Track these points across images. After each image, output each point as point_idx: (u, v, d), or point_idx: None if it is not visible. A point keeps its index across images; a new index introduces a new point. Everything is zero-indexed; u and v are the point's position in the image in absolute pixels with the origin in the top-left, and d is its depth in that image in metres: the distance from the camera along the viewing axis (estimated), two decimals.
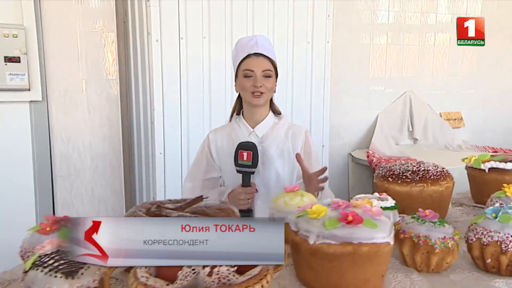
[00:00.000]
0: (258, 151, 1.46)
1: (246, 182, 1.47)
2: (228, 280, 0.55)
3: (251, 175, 1.48)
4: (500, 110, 3.85)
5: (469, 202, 1.47)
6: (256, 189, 1.51)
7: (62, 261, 0.58)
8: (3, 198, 2.27)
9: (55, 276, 0.58)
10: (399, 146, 3.55)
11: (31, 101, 2.33)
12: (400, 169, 1.10)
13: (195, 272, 0.56)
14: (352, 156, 3.48)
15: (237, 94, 1.64)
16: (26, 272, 0.59)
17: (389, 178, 1.10)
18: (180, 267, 0.57)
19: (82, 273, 0.58)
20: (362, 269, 0.75)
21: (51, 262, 0.58)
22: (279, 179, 1.56)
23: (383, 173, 1.13)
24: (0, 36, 2.16)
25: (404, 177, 1.09)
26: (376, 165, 3.20)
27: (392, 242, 0.79)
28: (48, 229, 0.67)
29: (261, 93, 1.50)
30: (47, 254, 0.59)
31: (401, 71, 3.58)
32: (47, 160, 2.45)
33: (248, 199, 1.46)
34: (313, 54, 2.82)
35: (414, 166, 1.12)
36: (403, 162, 1.18)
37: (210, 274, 0.55)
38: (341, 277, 0.75)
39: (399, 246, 0.89)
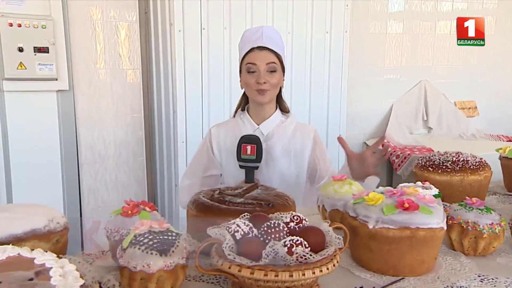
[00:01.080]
0: (263, 148, 1.38)
1: (250, 178, 1.38)
2: (305, 259, 0.61)
3: (255, 171, 1.39)
4: None
5: (502, 190, 1.50)
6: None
7: (155, 240, 0.65)
8: (33, 184, 2.35)
9: (151, 253, 0.65)
10: (413, 135, 3.58)
11: (58, 90, 2.39)
12: (440, 160, 1.15)
13: (276, 252, 0.62)
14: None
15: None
16: (124, 249, 0.66)
17: (429, 168, 1.15)
18: (264, 246, 0.63)
19: (173, 251, 0.65)
20: (418, 251, 0.81)
21: (146, 241, 0.65)
22: (283, 179, 1.48)
23: (423, 163, 1.18)
24: (30, 27, 2.21)
25: (444, 167, 1.13)
26: (391, 154, 3.25)
27: (445, 227, 0.85)
28: (129, 212, 0.73)
29: (266, 90, 1.42)
30: (141, 234, 0.66)
31: (416, 60, 3.59)
32: (73, 147, 2.52)
33: None
34: (331, 44, 2.85)
35: (454, 156, 1.17)
36: (441, 152, 1.23)
37: (290, 253, 0.60)
38: (398, 258, 0.80)
39: (447, 231, 0.95)
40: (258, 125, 1.51)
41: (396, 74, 3.55)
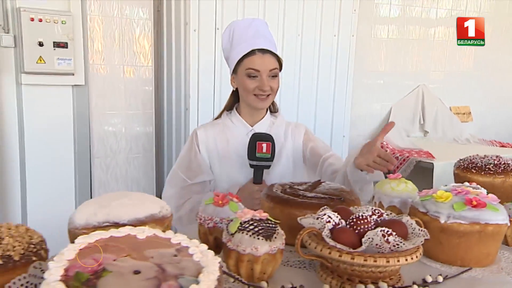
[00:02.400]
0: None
1: (259, 178, 1.32)
2: (398, 246, 0.70)
3: (265, 170, 1.34)
4: (508, 106, 4.03)
5: None
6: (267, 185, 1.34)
7: (260, 227, 0.74)
8: (47, 176, 2.40)
9: (258, 238, 0.73)
10: (410, 138, 3.70)
11: (74, 85, 2.44)
12: (482, 162, 1.24)
13: (371, 240, 0.71)
14: None
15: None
16: (232, 234, 0.74)
17: (472, 170, 1.23)
18: (354, 235, 0.72)
19: (275, 237, 0.74)
20: (485, 245, 0.90)
21: (251, 227, 0.73)
22: (282, 180, 1.35)
23: (465, 165, 1.27)
24: (50, 22, 2.25)
25: (487, 169, 1.22)
26: None
27: (509, 224, 0.94)
28: (220, 202, 0.82)
29: (267, 95, 1.37)
30: (246, 221, 0.74)
31: (415, 65, 3.71)
32: (86, 141, 2.57)
33: None
34: (338, 47, 2.95)
35: (495, 159, 1.26)
36: (481, 156, 1.33)
37: (387, 241, 0.69)
38: (466, 251, 0.89)
39: None
40: (252, 126, 1.45)
41: (396, 78, 3.67)
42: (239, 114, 1.46)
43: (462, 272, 0.87)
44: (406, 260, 0.69)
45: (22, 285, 0.53)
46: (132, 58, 2.66)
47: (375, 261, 0.67)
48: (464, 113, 3.94)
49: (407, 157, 3.18)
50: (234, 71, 1.42)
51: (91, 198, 2.63)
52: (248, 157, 1.30)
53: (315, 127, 3.00)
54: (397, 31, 3.57)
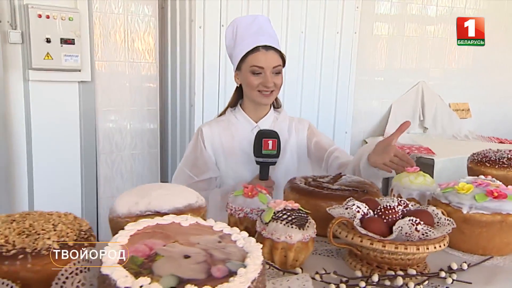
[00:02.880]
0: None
1: (265, 174, 1.34)
2: (427, 235, 0.74)
3: (271, 167, 1.35)
4: (506, 103, 4.09)
5: None
6: (273, 181, 1.37)
7: (293, 216, 0.77)
8: (53, 172, 2.42)
9: (292, 227, 0.76)
10: (409, 134, 3.75)
11: (81, 81, 2.45)
12: (495, 156, 1.28)
13: (401, 228, 0.74)
14: (366, 142, 3.66)
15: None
16: (266, 223, 0.77)
17: (486, 163, 1.27)
18: (383, 224, 0.75)
19: (307, 226, 0.77)
20: (506, 234, 0.93)
21: (285, 217, 0.76)
22: (288, 174, 1.39)
23: (479, 159, 1.30)
24: (57, 19, 2.27)
25: (500, 162, 1.26)
26: None
27: None
28: (250, 194, 0.84)
29: (272, 91, 1.38)
30: (279, 211, 0.77)
31: (415, 62, 3.75)
32: (92, 137, 2.59)
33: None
34: (341, 44, 2.98)
35: (508, 153, 1.30)
36: (495, 150, 1.36)
37: (416, 230, 0.73)
38: (488, 240, 0.93)
39: None
40: (256, 122, 1.46)
41: (396, 75, 3.71)
42: (243, 111, 1.47)
43: (485, 260, 0.91)
44: (435, 247, 0.72)
45: (77, 269, 0.55)
46: (137, 55, 2.67)
47: (406, 248, 0.71)
48: (463, 110, 4.00)
49: (408, 153, 3.23)
50: (238, 68, 1.43)
51: (96, 193, 2.66)
52: (254, 154, 1.32)
53: (318, 123, 3.03)
54: (397, 29, 3.60)
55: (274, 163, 1.33)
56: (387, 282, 0.71)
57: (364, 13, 3.32)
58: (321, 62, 2.94)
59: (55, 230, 0.58)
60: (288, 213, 0.75)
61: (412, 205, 0.84)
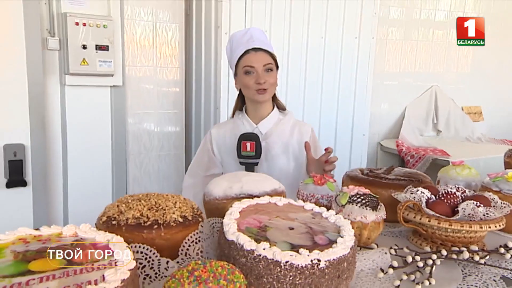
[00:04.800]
0: (262, 146, 1.43)
1: None
2: (488, 215, 0.83)
3: (255, 166, 1.44)
4: None
5: None
6: None
7: (366, 200, 0.86)
8: (87, 170, 2.52)
9: (366, 209, 0.85)
10: (423, 137, 3.83)
11: (113, 85, 2.55)
12: None
13: (464, 209, 0.82)
14: (381, 145, 3.75)
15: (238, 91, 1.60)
16: (343, 205, 0.86)
17: None
18: (446, 207, 0.84)
19: (379, 208, 0.86)
20: None
21: (359, 200, 0.86)
22: (282, 174, 1.50)
23: None
24: (93, 26, 2.37)
25: None
26: (405, 154, 3.50)
27: None
28: (319, 182, 0.93)
29: (265, 89, 1.45)
30: (353, 195, 0.86)
31: (429, 66, 3.84)
32: (123, 139, 2.68)
33: None
34: (359, 49, 3.07)
35: None
36: None
37: (477, 211, 0.81)
38: None
39: None
40: (257, 124, 1.54)
41: (410, 79, 3.79)
42: (246, 113, 1.58)
43: None
44: (495, 226, 0.81)
45: (196, 238, 0.65)
46: (164, 60, 2.78)
47: (470, 226, 0.79)
48: (475, 113, 4.08)
49: (423, 155, 3.31)
50: (236, 74, 1.55)
51: (126, 193, 2.75)
52: (237, 155, 1.43)
53: (336, 125, 3.12)
54: (410, 33, 3.70)
55: (256, 164, 1.43)
56: (454, 256, 0.79)
57: (380, 18, 3.42)
58: (340, 66, 3.03)
59: (175, 207, 0.68)
60: (362, 197, 0.84)
61: (469, 191, 0.93)
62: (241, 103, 1.63)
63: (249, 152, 1.39)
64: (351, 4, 2.99)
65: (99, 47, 2.41)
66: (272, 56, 1.50)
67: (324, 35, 2.96)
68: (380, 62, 3.57)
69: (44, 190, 2.37)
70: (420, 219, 0.82)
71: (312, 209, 0.72)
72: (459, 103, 3.98)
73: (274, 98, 1.59)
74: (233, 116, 1.66)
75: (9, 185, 2.16)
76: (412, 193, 0.87)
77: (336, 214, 0.83)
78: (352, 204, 0.83)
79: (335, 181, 0.99)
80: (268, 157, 1.51)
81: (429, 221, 0.81)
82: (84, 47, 2.35)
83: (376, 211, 0.84)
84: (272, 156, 1.52)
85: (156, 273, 0.62)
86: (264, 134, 1.52)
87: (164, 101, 2.82)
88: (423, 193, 0.86)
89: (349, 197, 0.84)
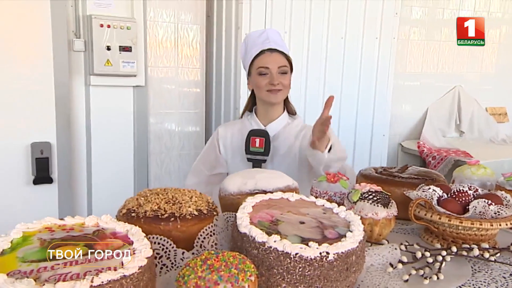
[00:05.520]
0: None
1: None
2: (499, 214, 0.83)
3: (262, 164, 1.41)
4: None
5: None
6: None
7: (378, 197, 0.88)
8: (110, 169, 2.59)
9: (377, 206, 0.87)
10: (446, 138, 3.77)
11: (135, 86, 2.62)
12: None
13: (475, 207, 0.83)
14: (402, 146, 3.71)
15: (250, 91, 1.57)
16: (354, 202, 0.88)
17: None
18: (457, 205, 0.85)
19: (390, 205, 0.87)
20: None
21: (371, 197, 0.87)
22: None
23: None
24: (117, 28, 2.44)
25: None
26: (427, 155, 3.46)
27: None
28: (332, 179, 0.96)
29: (278, 90, 1.43)
30: (365, 192, 0.88)
31: (452, 66, 3.78)
32: (144, 138, 2.75)
33: None
34: (380, 49, 3.06)
35: None
36: None
37: (488, 210, 0.82)
38: None
39: None
40: (265, 126, 1.52)
41: (432, 79, 3.74)
42: (256, 115, 1.55)
43: None
44: (506, 224, 0.82)
45: (211, 231, 0.68)
46: (186, 61, 2.83)
47: (481, 224, 0.80)
48: (500, 114, 3.99)
49: (445, 156, 3.27)
50: (249, 74, 1.52)
51: None
52: (245, 151, 1.41)
53: (356, 126, 3.12)
54: (433, 33, 3.65)
55: (264, 161, 1.40)
56: (464, 253, 0.80)
57: (401, 19, 3.39)
58: (360, 67, 3.02)
59: (191, 201, 0.71)
60: (373, 194, 0.86)
61: (481, 190, 0.93)
62: (251, 105, 1.61)
63: (258, 148, 1.37)
64: (372, 4, 2.98)
65: (123, 48, 2.48)
66: (287, 59, 1.48)
67: (344, 35, 2.96)
68: (401, 62, 3.54)
69: (69, 187, 2.45)
70: (431, 216, 0.83)
71: (323, 205, 0.75)
72: (483, 104, 3.90)
73: (286, 102, 1.56)
74: (241, 117, 1.64)
75: (36, 181, 2.25)
76: (424, 191, 0.88)
77: (347, 210, 0.85)
78: (364, 201, 0.85)
79: (347, 178, 1.01)
80: (274, 158, 1.49)
81: (439, 218, 0.82)
82: (108, 48, 2.42)
83: (387, 208, 0.85)
84: (278, 157, 1.49)
85: (172, 263, 0.65)
86: (272, 136, 1.49)
87: (185, 101, 2.87)
88: (435, 191, 0.87)
89: (360, 194, 0.86)
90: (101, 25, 2.40)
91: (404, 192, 0.92)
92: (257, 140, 1.37)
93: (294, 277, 0.59)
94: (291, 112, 1.59)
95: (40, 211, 2.28)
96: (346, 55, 2.97)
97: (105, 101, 2.55)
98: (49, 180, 2.29)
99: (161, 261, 0.65)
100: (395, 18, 3.06)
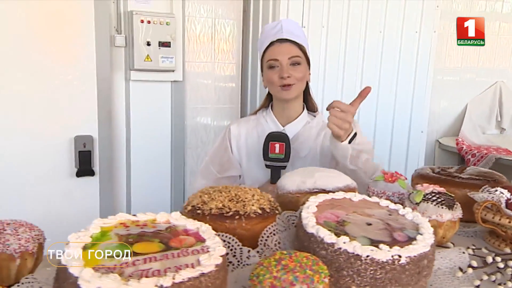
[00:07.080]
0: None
1: (275, 179, 1.25)
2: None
3: (282, 171, 1.27)
4: None
5: None
6: None
7: (442, 199, 0.86)
8: (147, 163, 2.63)
9: (442, 207, 0.85)
10: (485, 135, 3.65)
11: (173, 81, 2.65)
12: None
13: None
14: (440, 142, 3.62)
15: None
16: (417, 203, 0.86)
17: None
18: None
19: (455, 207, 0.85)
20: None
21: (435, 198, 0.86)
22: None
23: None
24: (157, 23, 2.47)
25: None
26: (466, 152, 3.35)
27: None
28: (390, 179, 0.94)
29: (290, 84, 1.30)
30: (428, 193, 0.86)
31: (493, 61, 3.65)
32: (181, 133, 2.78)
33: None
34: (419, 43, 2.98)
35: None
36: None
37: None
38: None
39: None
40: (284, 126, 1.40)
41: (472, 74, 3.62)
42: (273, 113, 1.42)
43: None
44: None
45: (275, 229, 0.67)
46: (222, 56, 2.84)
47: None
48: None
49: (486, 154, 3.16)
50: (262, 69, 1.41)
51: (183, 185, 2.85)
52: (263, 157, 1.28)
53: (393, 122, 3.06)
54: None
55: (283, 167, 1.27)
56: None
57: (442, 12, 3.29)
58: (398, 61, 2.96)
59: (254, 199, 0.71)
60: (437, 195, 0.83)
61: None
62: (268, 102, 1.49)
63: (278, 154, 1.24)
64: None
65: (162, 44, 2.50)
66: (301, 49, 1.34)
67: (383, 29, 2.89)
68: (441, 57, 3.44)
69: (110, 179, 2.51)
70: (500, 219, 0.81)
71: (387, 206, 0.73)
72: None
73: (306, 97, 1.44)
74: (256, 113, 1.51)
75: (79, 174, 2.31)
76: (490, 193, 0.86)
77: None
78: (427, 202, 0.83)
79: (406, 178, 0.99)
80: (295, 161, 1.35)
81: (509, 222, 0.79)
82: (148, 43, 2.45)
83: (452, 210, 0.83)
84: (298, 162, 1.36)
85: (238, 261, 0.66)
86: (291, 138, 1.35)
87: (220, 96, 2.89)
88: (502, 193, 0.84)
89: (423, 195, 0.84)
90: (142, 21, 2.43)
91: (468, 194, 0.89)
92: (277, 145, 1.24)
93: (365, 279, 0.58)
94: (312, 109, 1.46)
95: (82, 203, 2.35)
96: (385, 49, 2.91)
97: (144, 96, 2.59)
98: (91, 173, 2.35)
99: (228, 259, 0.66)
100: (436, 11, 2.97)
